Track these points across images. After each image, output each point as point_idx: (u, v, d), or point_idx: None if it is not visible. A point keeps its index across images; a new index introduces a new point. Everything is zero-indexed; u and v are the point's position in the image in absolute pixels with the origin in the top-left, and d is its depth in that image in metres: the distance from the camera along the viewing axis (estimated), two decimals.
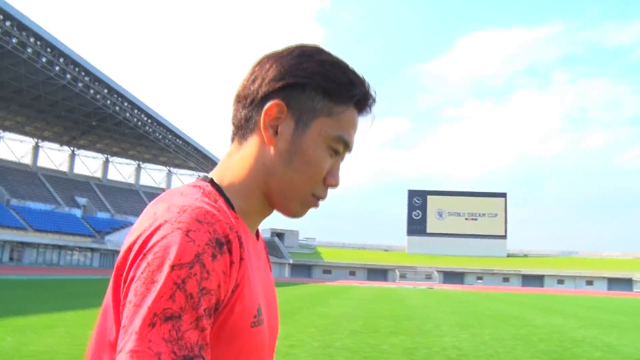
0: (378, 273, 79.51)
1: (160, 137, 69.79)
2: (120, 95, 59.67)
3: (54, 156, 75.18)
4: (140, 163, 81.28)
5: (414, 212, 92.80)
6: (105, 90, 58.26)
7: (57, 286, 23.78)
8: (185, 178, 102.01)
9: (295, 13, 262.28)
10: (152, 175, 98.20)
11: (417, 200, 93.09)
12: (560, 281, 77.81)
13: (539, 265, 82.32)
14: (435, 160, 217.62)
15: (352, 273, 78.45)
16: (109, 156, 77.63)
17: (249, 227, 0.86)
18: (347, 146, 0.88)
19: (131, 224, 66.77)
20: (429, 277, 77.93)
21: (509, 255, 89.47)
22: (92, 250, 59.67)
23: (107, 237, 61.32)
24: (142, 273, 0.68)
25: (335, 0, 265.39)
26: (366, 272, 79.37)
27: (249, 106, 0.86)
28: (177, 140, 71.90)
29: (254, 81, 0.86)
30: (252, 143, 0.86)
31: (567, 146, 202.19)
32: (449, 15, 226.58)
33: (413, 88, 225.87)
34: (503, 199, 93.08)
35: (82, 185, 71.45)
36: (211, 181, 0.85)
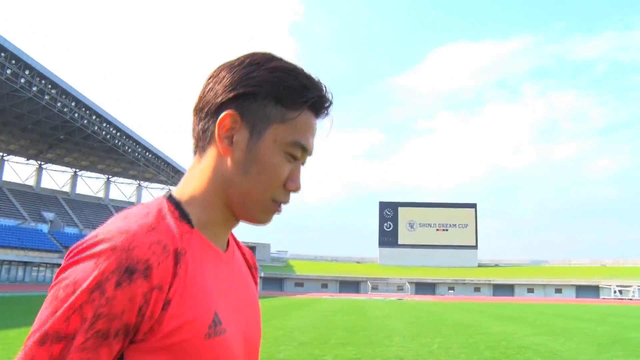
0: (350, 285, 79.45)
1: (129, 150, 69.16)
2: (88, 108, 59.10)
3: (20, 170, 74.09)
4: (110, 177, 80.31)
5: (385, 224, 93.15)
6: (73, 104, 57.62)
7: (20, 302, 23.31)
8: (155, 192, 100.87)
9: (268, 26, 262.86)
10: (122, 189, 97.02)
11: (388, 212, 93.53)
12: (530, 290, 78.73)
13: (509, 274, 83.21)
14: (408, 172, 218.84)
15: (324, 285, 78.19)
16: (77, 170, 76.53)
17: (211, 239, 0.87)
18: (305, 150, 0.88)
19: None
20: (400, 288, 78.13)
21: (480, 265, 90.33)
22: (59, 266, 58.23)
23: None
24: (51, 292, 0.72)
25: (308, 13, 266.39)
26: (338, 284, 79.21)
27: (204, 118, 0.87)
28: (147, 153, 71.32)
29: (208, 93, 0.87)
30: (210, 155, 0.87)
31: (537, 157, 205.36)
32: (420, 28, 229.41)
33: (386, 100, 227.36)
34: (473, 209, 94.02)
35: (50, 199, 70.20)
36: (169, 197, 0.86)
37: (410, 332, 15.03)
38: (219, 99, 0.85)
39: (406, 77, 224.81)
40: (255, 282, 1.02)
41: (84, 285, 0.70)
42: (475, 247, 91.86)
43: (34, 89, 52.29)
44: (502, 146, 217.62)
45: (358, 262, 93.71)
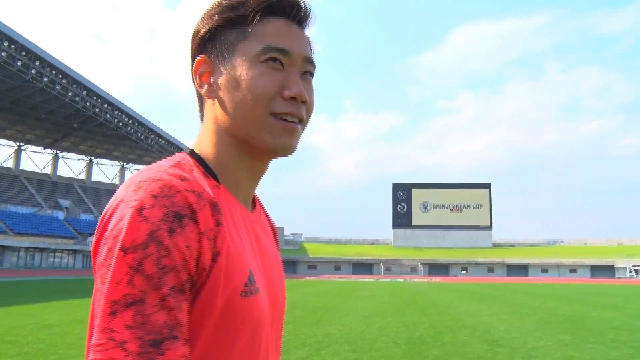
0: (363, 267, 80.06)
1: (142, 137, 70.28)
2: (99, 96, 60.14)
3: (37, 159, 75.75)
4: (125, 164, 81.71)
5: (399, 206, 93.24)
6: (84, 92, 58.73)
7: (35, 285, 24.33)
8: None
9: None
10: None
11: (402, 193, 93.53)
12: (545, 270, 78.39)
13: (523, 255, 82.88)
14: (429, 153, 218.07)
15: (337, 267, 78.91)
16: (92, 158, 78.06)
17: (236, 195, 0.83)
18: (284, 51, 0.81)
19: None
20: (413, 269, 78.42)
21: (494, 246, 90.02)
22: (75, 252, 60.15)
23: (90, 239, 61.75)
24: (102, 260, 0.66)
25: None
26: (351, 266, 79.89)
27: (194, 82, 0.86)
28: (160, 140, 72.38)
29: (190, 61, 0.87)
30: (207, 109, 0.85)
31: (560, 136, 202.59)
32: (442, 6, 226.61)
33: (407, 81, 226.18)
34: (487, 189, 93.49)
35: (66, 187, 71.92)
36: (191, 152, 0.83)
37: (370, 312, 15.39)
38: (191, 55, 0.85)
39: (427, 57, 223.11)
40: (277, 247, 0.99)
41: (136, 241, 0.65)
42: (489, 227, 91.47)
43: (45, 79, 53.42)
44: (524, 125, 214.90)
45: (372, 244, 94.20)
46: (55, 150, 73.07)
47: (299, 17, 0.85)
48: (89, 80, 57.67)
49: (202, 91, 0.84)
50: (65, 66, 53.66)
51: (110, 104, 62.09)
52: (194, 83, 0.85)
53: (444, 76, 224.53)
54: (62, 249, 58.86)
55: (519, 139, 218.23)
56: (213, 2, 0.84)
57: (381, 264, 79.03)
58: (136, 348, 0.61)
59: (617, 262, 74.07)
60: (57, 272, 48.44)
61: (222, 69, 0.81)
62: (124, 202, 0.69)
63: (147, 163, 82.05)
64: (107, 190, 77.64)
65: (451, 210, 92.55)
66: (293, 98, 0.80)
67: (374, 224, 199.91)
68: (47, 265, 56.71)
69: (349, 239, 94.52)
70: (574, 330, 11.42)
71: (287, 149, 0.82)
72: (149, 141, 71.76)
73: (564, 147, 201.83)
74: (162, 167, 0.75)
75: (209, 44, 0.83)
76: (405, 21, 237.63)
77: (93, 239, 0.71)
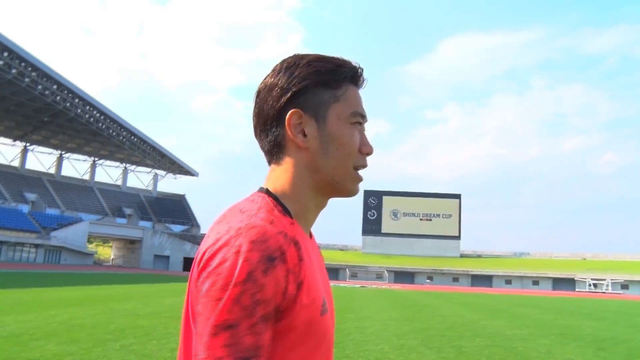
0: (329, 272, 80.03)
1: (114, 134, 70.14)
2: (70, 91, 59.89)
3: (6, 151, 75.08)
4: (96, 159, 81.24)
5: (369, 212, 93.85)
6: (54, 86, 58.47)
7: None
8: (142, 175, 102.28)
9: (276, 14, 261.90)
10: (109, 172, 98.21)
11: (373, 200, 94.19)
12: (508, 281, 79.39)
13: (489, 265, 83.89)
14: (413, 162, 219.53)
15: None
16: (63, 152, 77.56)
17: (304, 228, 0.98)
18: (363, 116, 1.01)
19: (81, 220, 67.12)
20: (379, 276, 78.95)
21: (462, 256, 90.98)
22: (37, 246, 59.68)
23: (53, 234, 61.34)
24: (208, 291, 0.81)
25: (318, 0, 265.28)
26: None
27: (270, 128, 0.98)
28: (132, 137, 72.18)
29: (263, 109, 0.99)
30: (289, 154, 0.98)
31: (542, 151, 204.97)
32: (433, 16, 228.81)
33: (395, 89, 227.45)
34: (457, 200, 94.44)
35: (34, 181, 71.30)
36: (267, 191, 0.97)
37: None
38: (277, 105, 0.97)
39: (415, 66, 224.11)
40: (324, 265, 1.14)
41: (238, 279, 0.80)
42: (458, 237, 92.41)
43: (14, 71, 53.16)
44: (508, 139, 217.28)
45: (342, 250, 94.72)
46: (24, 143, 72.54)
47: (361, 83, 1.04)
48: (59, 74, 57.36)
49: (296, 139, 0.96)
50: (35, 59, 53.39)
51: (81, 99, 61.84)
52: (270, 132, 0.98)
53: (432, 86, 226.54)
54: (24, 243, 58.38)
55: (503, 152, 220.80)
56: (301, 61, 0.99)
57: (347, 270, 79.52)
58: None
59: (578, 276, 75.44)
60: (17, 265, 48.12)
61: (315, 123, 0.97)
62: (228, 245, 0.83)
63: (119, 160, 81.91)
64: (76, 186, 77.12)
65: (421, 219, 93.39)
66: (368, 154, 1.02)
67: (346, 230, 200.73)
68: (7, 258, 56.20)
69: (319, 243, 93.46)
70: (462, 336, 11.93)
71: (356, 193, 1.03)
72: (121, 138, 71.58)
73: (547, 162, 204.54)
74: (253, 212, 0.90)
75: (301, 98, 0.96)
76: (396, 29, 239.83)
77: (194, 271, 0.87)
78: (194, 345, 0.83)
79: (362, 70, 1.03)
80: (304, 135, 0.97)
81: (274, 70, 1.01)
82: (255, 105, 1.01)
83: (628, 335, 14.13)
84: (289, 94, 0.96)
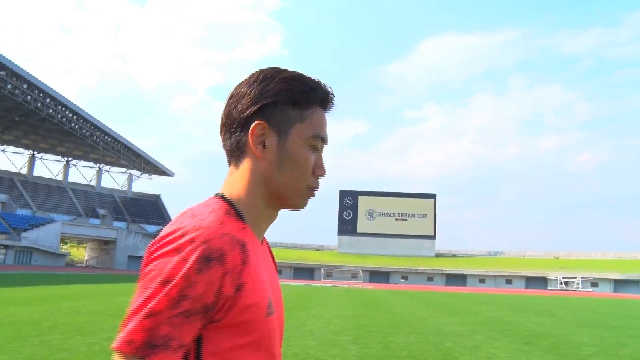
0: (305, 272, 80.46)
1: (87, 134, 69.44)
2: (41, 90, 59.18)
3: None
4: (70, 159, 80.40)
5: (345, 212, 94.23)
6: (24, 86, 57.72)
7: None
8: (117, 175, 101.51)
9: (254, 14, 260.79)
10: (83, 172, 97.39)
11: (348, 200, 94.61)
12: (482, 280, 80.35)
13: (463, 265, 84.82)
14: (392, 161, 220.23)
15: (279, 271, 76.96)
16: (35, 152, 76.64)
17: (256, 234, 1.03)
18: (323, 140, 1.07)
19: (54, 220, 66.44)
20: (354, 276, 79.34)
21: (437, 255, 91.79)
22: (6, 247, 58.94)
23: (24, 234, 60.59)
24: (144, 283, 0.87)
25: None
26: (292, 270, 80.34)
27: (235, 132, 1.04)
28: (106, 137, 71.58)
29: (233, 110, 1.04)
30: (246, 160, 1.04)
31: (521, 150, 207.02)
32: (412, 16, 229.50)
33: (374, 90, 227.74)
34: (432, 200, 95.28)
35: (4, 181, 70.27)
36: (222, 197, 1.03)
37: None
38: (245, 113, 1.02)
39: (396, 66, 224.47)
40: (276, 270, 1.20)
41: (171, 275, 0.85)
42: (433, 237, 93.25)
43: None
44: (487, 138, 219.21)
45: (317, 250, 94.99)
46: None
47: (329, 107, 1.10)
48: (29, 74, 56.68)
49: (256, 149, 1.02)
50: (3, 57, 52.66)
51: (53, 98, 61.14)
52: (234, 134, 1.04)
53: (412, 86, 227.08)
54: None
55: (482, 151, 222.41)
56: (278, 76, 1.04)
57: (322, 270, 79.76)
58: (139, 345, 0.82)
59: (549, 274, 76.64)
60: None
61: (277, 138, 1.02)
62: (171, 245, 0.88)
63: (93, 160, 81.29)
64: (49, 186, 76.27)
65: (396, 219, 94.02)
66: (319, 175, 1.07)
67: (322, 230, 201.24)
68: None
69: (295, 243, 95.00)
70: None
71: (303, 208, 1.09)
72: (95, 138, 70.93)
73: (525, 162, 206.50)
74: (204, 215, 0.94)
75: (268, 110, 1.02)
76: (376, 30, 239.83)
77: (142, 264, 0.92)
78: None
79: (333, 96, 1.09)
80: (264, 146, 1.02)
81: (250, 77, 1.06)
82: (225, 106, 1.06)
83: (563, 330, 14.56)
84: (257, 106, 1.02)
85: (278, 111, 1.03)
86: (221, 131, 1.08)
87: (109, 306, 15.38)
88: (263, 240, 1.11)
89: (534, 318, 18.79)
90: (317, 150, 1.07)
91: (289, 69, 1.08)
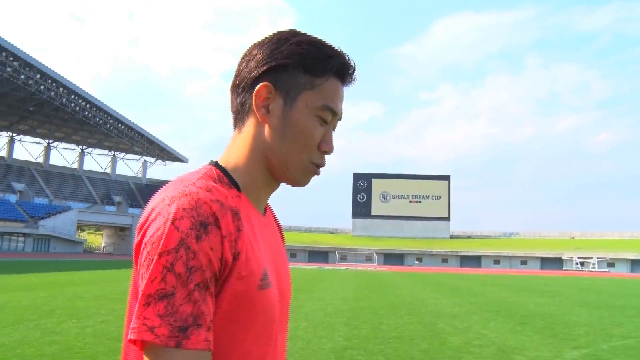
0: (319, 255, 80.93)
1: (101, 122, 69.97)
2: (53, 80, 59.69)
3: None
4: (85, 148, 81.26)
5: (359, 195, 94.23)
6: (38, 76, 58.24)
7: None
8: (131, 163, 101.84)
9: None
10: (98, 160, 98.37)
11: (362, 183, 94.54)
12: (497, 261, 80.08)
13: (478, 246, 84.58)
14: (407, 144, 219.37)
15: (293, 255, 79.52)
16: (51, 141, 77.52)
17: (254, 203, 0.97)
18: (335, 113, 0.98)
19: (70, 208, 67.46)
20: (369, 258, 79.59)
21: (452, 237, 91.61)
22: (25, 235, 60.06)
23: (41, 222, 61.63)
24: (143, 261, 0.81)
25: None
26: (307, 254, 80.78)
27: (241, 93, 0.98)
28: (120, 125, 72.14)
29: (243, 70, 0.98)
30: (249, 125, 0.97)
31: (537, 130, 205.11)
32: None
33: (388, 71, 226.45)
34: (447, 181, 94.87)
35: (21, 170, 71.44)
36: (216, 164, 0.97)
37: None
38: (253, 73, 0.96)
39: (408, 47, 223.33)
40: (284, 243, 1.14)
41: (169, 246, 0.79)
42: (447, 219, 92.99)
43: None
44: (502, 119, 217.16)
45: (332, 233, 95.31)
46: (11, 133, 72.55)
47: (348, 81, 1.01)
48: (41, 63, 57.20)
49: (258, 112, 0.95)
50: (16, 48, 53.18)
51: (65, 87, 61.65)
52: (240, 95, 0.98)
53: (425, 67, 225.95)
54: (12, 232, 58.76)
55: (497, 132, 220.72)
56: (293, 38, 0.97)
57: (336, 253, 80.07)
58: (166, 332, 0.76)
59: (565, 255, 76.16)
60: (6, 254, 48.53)
61: (282, 103, 0.95)
62: (161, 214, 0.82)
63: (107, 148, 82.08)
64: (64, 175, 77.27)
65: (410, 201, 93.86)
66: (325, 152, 0.98)
67: (336, 213, 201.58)
68: None
69: (309, 227, 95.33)
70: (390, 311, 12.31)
71: (305, 185, 1.01)
72: (108, 126, 71.48)
73: (541, 142, 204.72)
74: (191, 180, 0.89)
75: (277, 73, 0.95)
76: (388, 11, 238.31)
77: (134, 242, 0.86)
78: (128, 315, 0.83)
79: (354, 70, 1.00)
80: (267, 111, 0.96)
81: (266, 37, 1.00)
82: (238, 65, 1.00)
83: (562, 310, 14.59)
84: (266, 67, 0.95)
85: (287, 75, 0.95)
86: (230, 91, 1.02)
87: (113, 291, 15.68)
88: (266, 210, 1.05)
89: (538, 299, 18.79)
90: (326, 124, 0.98)
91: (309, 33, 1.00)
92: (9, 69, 54.71)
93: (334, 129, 1.01)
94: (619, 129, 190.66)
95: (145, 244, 0.82)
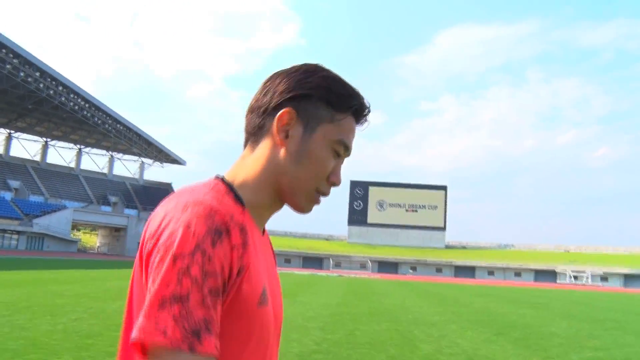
0: (313, 261, 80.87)
1: (99, 122, 69.94)
2: (53, 78, 59.70)
3: None
4: (82, 147, 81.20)
5: (355, 203, 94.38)
6: (37, 74, 58.27)
7: None
8: (129, 164, 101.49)
9: (271, 0, 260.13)
10: (95, 159, 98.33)
11: (359, 191, 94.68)
12: (491, 272, 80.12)
13: (472, 256, 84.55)
14: (407, 153, 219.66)
15: (287, 261, 79.49)
16: (49, 140, 77.50)
17: (256, 221, 0.99)
18: (347, 149, 1.02)
19: (65, 207, 67.37)
20: (363, 266, 79.55)
21: (447, 247, 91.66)
22: (19, 233, 59.95)
23: (36, 221, 61.53)
24: (157, 264, 0.81)
25: None
26: (301, 259, 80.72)
27: (262, 115, 1.00)
28: (118, 125, 72.07)
29: (265, 94, 1.01)
30: (264, 146, 1.00)
31: (538, 144, 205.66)
32: (431, 6, 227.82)
33: (389, 81, 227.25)
34: (443, 191, 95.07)
35: (18, 168, 71.36)
36: (222, 179, 0.98)
37: None
38: (277, 99, 0.99)
39: (411, 57, 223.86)
40: (276, 266, 1.17)
41: (185, 250, 0.80)
42: (443, 228, 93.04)
43: None
44: (503, 131, 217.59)
45: (327, 239, 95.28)
46: (9, 130, 72.55)
47: (362, 121, 1.05)
48: (41, 61, 57.25)
49: (278, 136, 0.98)
50: (16, 45, 53.26)
51: (65, 86, 61.66)
52: (260, 117, 1.01)
53: (428, 77, 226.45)
54: (5, 230, 58.68)
55: (497, 144, 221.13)
56: (320, 72, 1.01)
57: (330, 259, 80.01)
58: (179, 335, 0.76)
59: (559, 268, 76.20)
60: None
61: (302, 130, 0.98)
62: (175, 219, 0.84)
63: (105, 148, 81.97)
64: (61, 173, 77.17)
65: (407, 210, 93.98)
66: (333, 183, 1.02)
67: (332, 220, 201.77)
68: None
69: (304, 233, 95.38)
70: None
71: (307, 212, 1.04)
72: (107, 126, 71.42)
73: (541, 155, 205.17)
74: (202, 191, 0.91)
75: (301, 102, 0.98)
76: (392, 20, 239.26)
77: (146, 246, 0.86)
78: (126, 316, 0.84)
79: (369, 112, 1.05)
80: (287, 136, 0.98)
81: (292, 67, 1.03)
82: (260, 88, 1.03)
83: (542, 322, 14.61)
84: (291, 94, 0.98)
85: (311, 105, 0.99)
86: (248, 113, 1.04)
87: (95, 290, 15.68)
88: (264, 231, 1.07)
89: (522, 310, 18.82)
90: (339, 157, 1.02)
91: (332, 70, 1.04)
92: (8, 66, 54.75)
93: (342, 162, 1.04)
94: (618, 144, 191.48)
95: (158, 248, 0.82)
